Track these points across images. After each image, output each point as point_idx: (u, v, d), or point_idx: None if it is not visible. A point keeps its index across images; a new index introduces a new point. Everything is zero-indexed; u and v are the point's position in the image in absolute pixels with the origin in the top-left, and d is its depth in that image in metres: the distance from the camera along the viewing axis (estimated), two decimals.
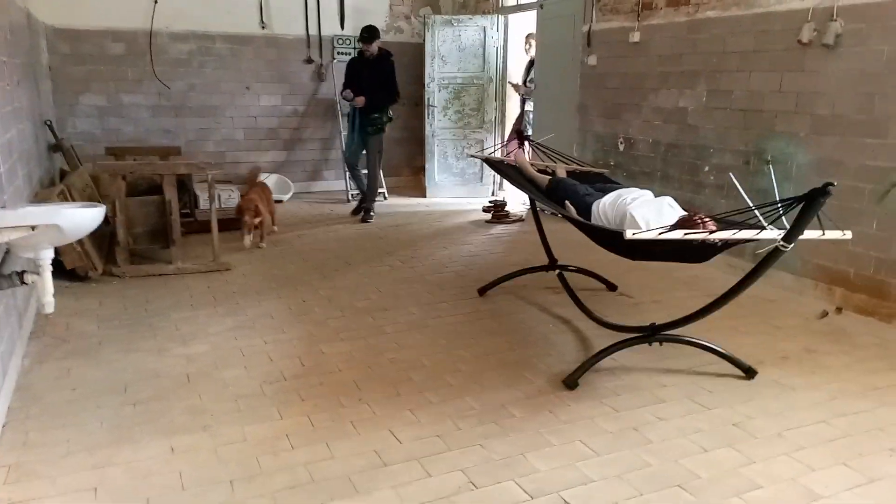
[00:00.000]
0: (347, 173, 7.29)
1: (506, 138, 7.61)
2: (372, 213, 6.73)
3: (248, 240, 5.51)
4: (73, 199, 4.62)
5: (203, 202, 6.34)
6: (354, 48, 7.93)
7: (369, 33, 6.45)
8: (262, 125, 7.89)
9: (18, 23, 4.76)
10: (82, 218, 3.07)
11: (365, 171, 6.89)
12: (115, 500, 2.27)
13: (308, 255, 5.43)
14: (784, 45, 4.54)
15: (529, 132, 7.12)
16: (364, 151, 6.74)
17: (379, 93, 6.46)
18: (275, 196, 7.66)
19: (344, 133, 7.62)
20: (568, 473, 2.47)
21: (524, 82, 7.65)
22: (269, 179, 7.11)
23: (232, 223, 5.62)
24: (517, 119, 7.80)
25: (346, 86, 6.57)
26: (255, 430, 2.74)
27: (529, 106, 7.61)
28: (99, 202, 3.79)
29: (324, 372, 3.28)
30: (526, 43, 7.81)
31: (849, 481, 2.43)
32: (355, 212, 6.94)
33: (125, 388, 3.10)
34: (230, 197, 6.10)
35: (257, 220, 5.51)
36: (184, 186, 5.85)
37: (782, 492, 2.37)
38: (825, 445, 2.67)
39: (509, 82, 7.84)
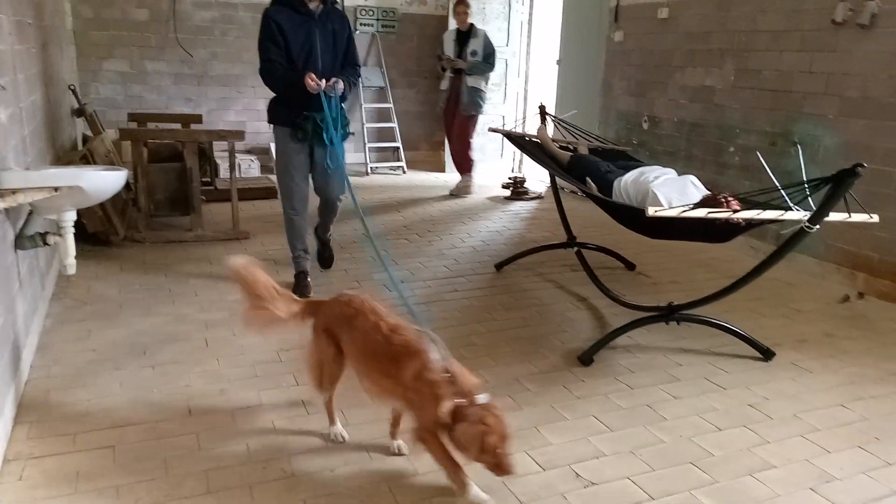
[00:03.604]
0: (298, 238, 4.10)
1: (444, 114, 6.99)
2: (328, 256, 4.46)
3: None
4: (96, 164, 4.65)
5: (223, 171, 6.38)
6: (378, 20, 7.79)
7: None
8: None
9: None
10: (105, 180, 3.10)
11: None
12: (133, 460, 2.31)
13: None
14: (816, 25, 4.42)
15: (475, 111, 6.79)
16: (316, 177, 3.98)
17: (347, 68, 3.86)
18: None
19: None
20: (580, 447, 2.48)
21: (459, 56, 6.71)
22: None
23: (251, 192, 5.63)
24: (447, 93, 6.86)
25: (265, 53, 3.67)
26: (271, 395, 2.77)
27: (473, 81, 6.70)
28: (121, 167, 3.82)
29: None
30: (455, 11, 6.80)
31: (864, 464, 2.41)
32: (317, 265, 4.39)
33: (144, 350, 3.14)
34: (250, 167, 6.12)
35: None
36: (204, 155, 5.88)
37: (795, 472, 2.36)
38: (841, 428, 2.65)
39: (442, 55, 6.88)
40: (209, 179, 6.05)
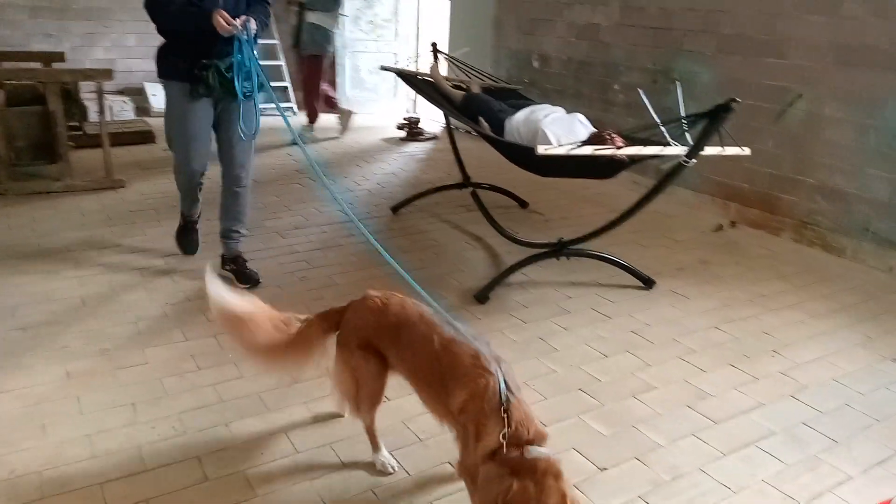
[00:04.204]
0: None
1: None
2: (247, 271, 3.35)
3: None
4: None
5: (93, 115, 5.88)
6: None
7: None
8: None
9: None
10: None
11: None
12: (7, 428, 2.15)
13: (209, 175, 5.17)
14: None
15: (316, 51, 6.13)
16: (221, 142, 3.23)
17: (256, 5, 3.11)
18: None
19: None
20: None
21: None
22: None
23: (125, 137, 5.23)
24: (297, 33, 6.20)
25: None
26: (158, 353, 2.65)
27: (314, 17, 6.08)
28: None
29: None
30: None
31: (735, 381, 2.63)
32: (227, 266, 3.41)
33: (13, 311, 2.90)
34: (122, 109, 5.67)
35: None
36: (70, 97, 5.38)
37: (674, 392, 2.54)
38: (715, 349, 2.86)
39: None
40: (77, 124, 5.56)
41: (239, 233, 3.38)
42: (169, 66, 3.07)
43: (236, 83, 2.96)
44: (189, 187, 3.38)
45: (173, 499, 1.90)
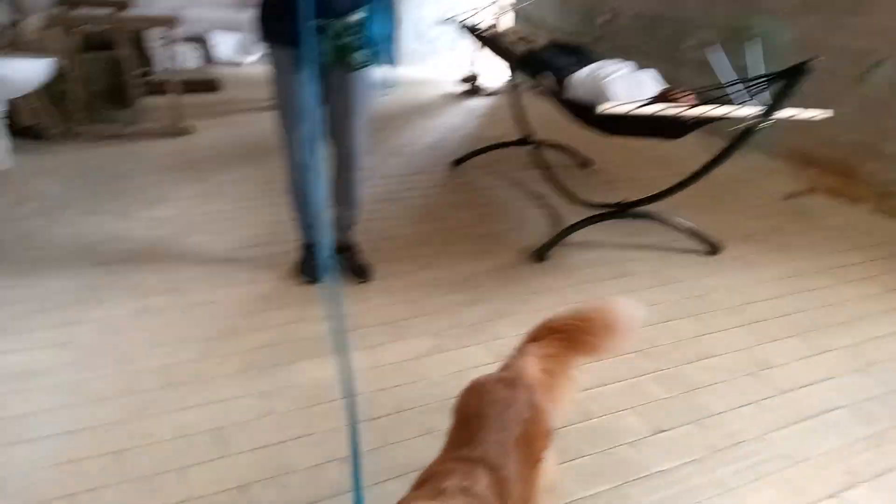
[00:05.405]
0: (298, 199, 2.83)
1: None
2: (361, 262, 2.99)
3: None
4: (23, 52, 4.31)
5: (161, 62, 6.00)
6: None
7: None
8: None
9: None
10: (30, 70, 2.88)
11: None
12: (87, 356, 2.28)
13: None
14: None
15: None
16: (332, 118, 2.64)
17: None
18: (237, 58, 7.29)
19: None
20: None
21: None
22: None
23: (192, 85, 5.34)
24: None
25: None
26: (227, 293, 2.74)
27: None
28: (49, 56, 3.55)
29: (294, 238, 3.25)
30: None
31: (800, 352, 2.56)
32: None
33: (92, 249, 3.04)
34: (188, 57, 5.77)
35: None
36: (140, 43, 5.50)
37: (736, 360, 2.49)
38: (781, 319, 2.78)
39: None
40: (147, 70, 5.69)
41: (353, 220, 2.94)
42: (270, 28, 2.46)
43: (349, 53, 2.41)
44: (298, 190, 2.75)
45: (242, 428, 1.99)
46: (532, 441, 1.36)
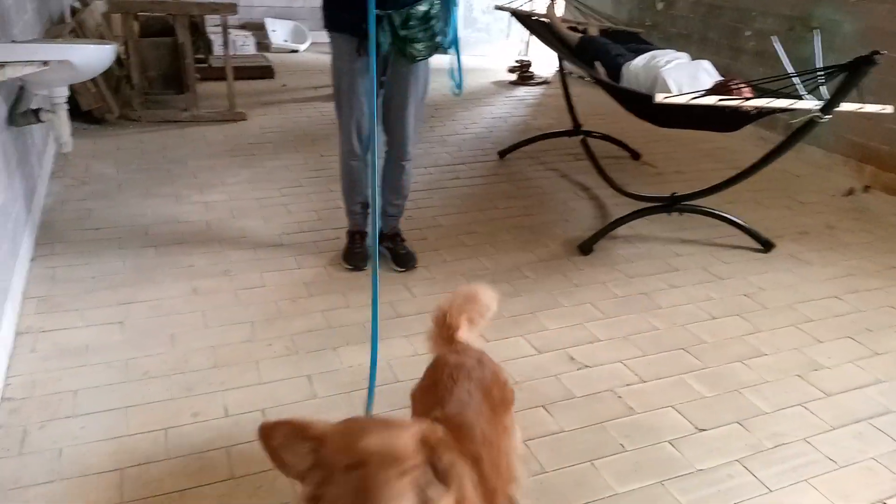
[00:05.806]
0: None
1: None
2: (406, 251, 2.98)
3: None
4: (85, 38, 4.47)
5: (218, 48, 6.13)
6: None
7: None
8: None
9: None
10: (95, 55, 2.98)
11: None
12: (140, 335, 2.37)
13: (328, 111, 5.31)
14: None
15: None
16: (387, 107, 2.70)
17: None
18: (289, 44, 7.38)
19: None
20: (576, 332, 2.54)
21: None
22: None
23: (246, 71, 5.44)
24: None
25: None
26: (274, 278, 2.80)
27: None
28: (110, 42, 3.66)
29: (340, 226, 3.30)
30: None
31: (852, 354, 2.48)
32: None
33: (146, 231, 3.15)
34: (244, 43, 5.88)
35: None
36: (198, 30, 5.63)
37: (785, 360, 2.43)
38: (834, 319, 2.70)
39: None
40: (203, 56, 5.83)
41: (400, 207, 2.97)
42: (335, 17, 2.53)
43: (410, 44, 2.46)
44: (350, 175, 2.81)
45: (286, 410, 2.04)
46: (497, 406, 1.41)
